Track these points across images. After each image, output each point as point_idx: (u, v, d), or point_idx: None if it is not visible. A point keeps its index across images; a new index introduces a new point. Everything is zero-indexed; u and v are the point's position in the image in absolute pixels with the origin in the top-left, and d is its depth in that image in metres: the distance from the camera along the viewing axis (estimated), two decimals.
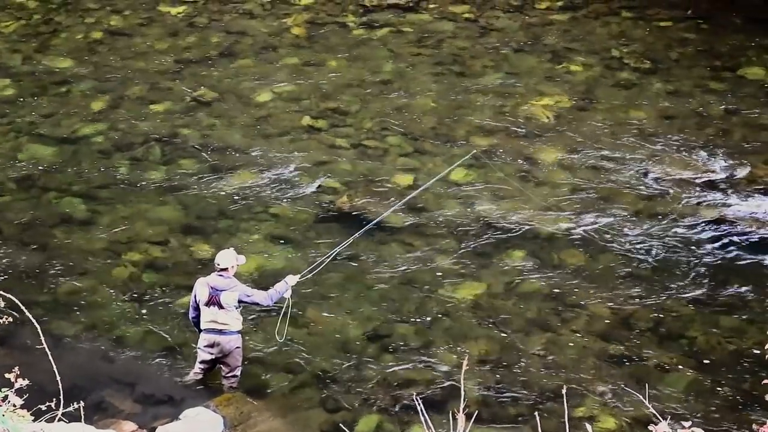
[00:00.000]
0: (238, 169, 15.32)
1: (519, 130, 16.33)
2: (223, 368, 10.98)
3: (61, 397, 7.33)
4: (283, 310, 11.15)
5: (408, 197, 13.12)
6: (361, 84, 17.88)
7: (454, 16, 20.40)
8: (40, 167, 15.45)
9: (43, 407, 7.25)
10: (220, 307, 10.67)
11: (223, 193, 14.75)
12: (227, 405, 10.70)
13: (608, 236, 13.70)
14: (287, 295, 10.99)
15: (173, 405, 10.83)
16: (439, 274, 13.05)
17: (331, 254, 11.73)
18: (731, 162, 15.30)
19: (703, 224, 13.91)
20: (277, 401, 11.01)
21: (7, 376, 6.99)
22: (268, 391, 11.16)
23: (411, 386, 11.12)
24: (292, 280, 11.05)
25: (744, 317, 12.27)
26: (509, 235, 13.75)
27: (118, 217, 14.24)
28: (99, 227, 14.04)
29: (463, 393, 7.25)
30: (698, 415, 10.62)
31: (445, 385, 11.14)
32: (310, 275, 11.47)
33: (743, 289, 12.73)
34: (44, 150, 15.90)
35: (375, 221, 12.53)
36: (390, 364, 11.56)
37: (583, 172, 15.14)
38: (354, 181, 14.94)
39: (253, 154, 15.72)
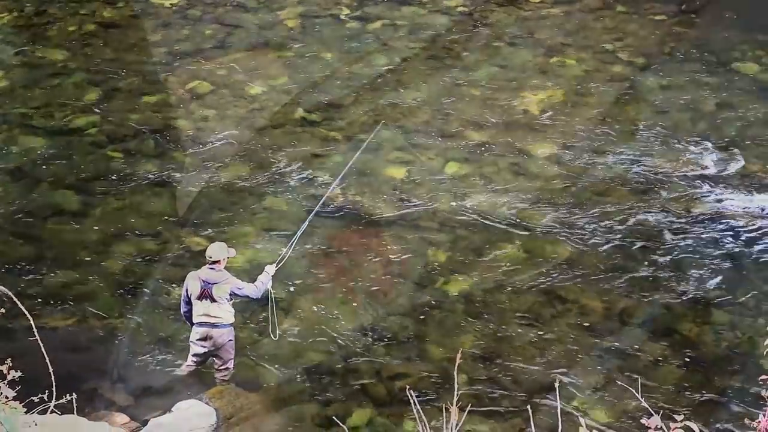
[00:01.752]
0: (231, 161, 15.30)
1: (512, 123, 16.32)
2: (216, 361, 10.98)
3: (54, 389, 7.31)
4: (270, 309, 11.15)
5: (342, 173, 13.01)
6: (354, 77, 17.85)
7: (448, 10, 20.37)
8: (32, 159, 15.41)
9: (36, 399, 7.24)
10: (213, 300, 10.67)
11: (216, 185, 14.73)
12: (220, 398, 10.69)
13: (600, 230, 13.71)
14: (269, 285, 11.03)
15: (166, 397, 10.80)
16: (431, 267, 13.06)
17: (296, 237, 11.70)
18: (724, 156, 15.32)
19: (696, 219, 13.92)
20: (269, 394, 11.01)
21: None
22: (261, 384, 11.16)
23: (403, 379, 11.12)
24: (271, 269, 11.11)
25: (736, 311, 12.29)
26: (501, 228, 13.75)
27: (110, 209, 14.22)
28: (91, 219, 14.02)
29: (455, 386, 7.25)
30: (690, 408, 10.65)
31: (437, 378, 11.15)
32: (285, 259, 11.44)
33: (735, 283, 12.74)
34: (37, 142, 15.85)
35: (321, 200, 12.57)
36: (382, 357, 11.56)
37: (575, 166, 15.14)
38: (347, 174, 14.89)
39: (246, 146, 15.69)
